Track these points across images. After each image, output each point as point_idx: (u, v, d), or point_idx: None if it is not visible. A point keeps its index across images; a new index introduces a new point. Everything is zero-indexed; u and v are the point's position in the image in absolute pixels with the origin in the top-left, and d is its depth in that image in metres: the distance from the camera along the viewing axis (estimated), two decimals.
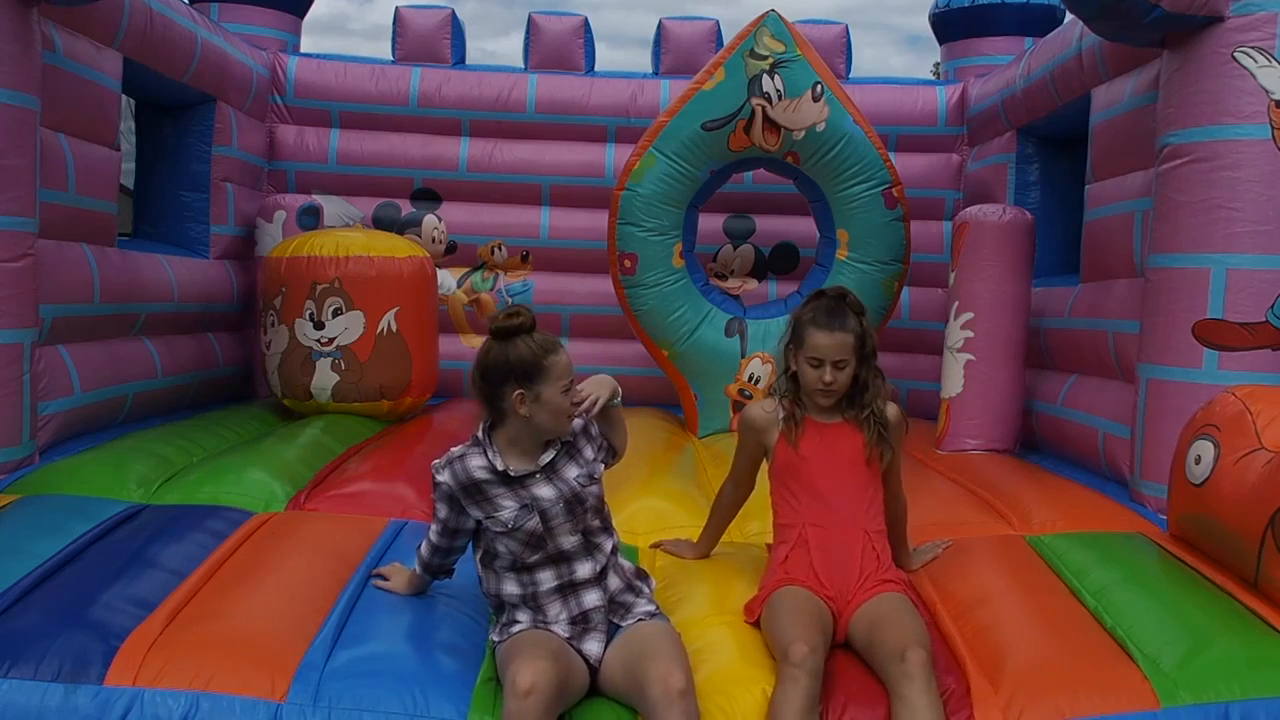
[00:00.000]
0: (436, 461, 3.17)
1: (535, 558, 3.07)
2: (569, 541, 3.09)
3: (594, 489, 3.17)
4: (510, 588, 3.10)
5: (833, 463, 3.41)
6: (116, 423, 5.72)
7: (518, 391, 3.02)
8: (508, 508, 3.06)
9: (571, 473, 3.14)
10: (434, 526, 3.25)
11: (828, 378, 3.37)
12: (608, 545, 3.18)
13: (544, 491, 3.08)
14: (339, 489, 4.56)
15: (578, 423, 3.21)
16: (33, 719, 2.77)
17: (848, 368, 3.39)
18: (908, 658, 2.86)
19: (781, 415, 3.50)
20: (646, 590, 3.22)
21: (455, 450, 3.16)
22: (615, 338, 7.32)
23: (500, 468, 3.07)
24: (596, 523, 3.18)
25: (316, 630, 3.12)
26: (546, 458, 3.12)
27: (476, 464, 3.10)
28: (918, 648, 2.91)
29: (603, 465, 3.27)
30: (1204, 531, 3.77)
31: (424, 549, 3.32)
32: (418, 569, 3.38)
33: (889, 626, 3.04)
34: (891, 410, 3.49)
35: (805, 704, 2.79)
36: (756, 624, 3.23)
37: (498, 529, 3.06)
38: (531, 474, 3.10)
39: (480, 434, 3.14)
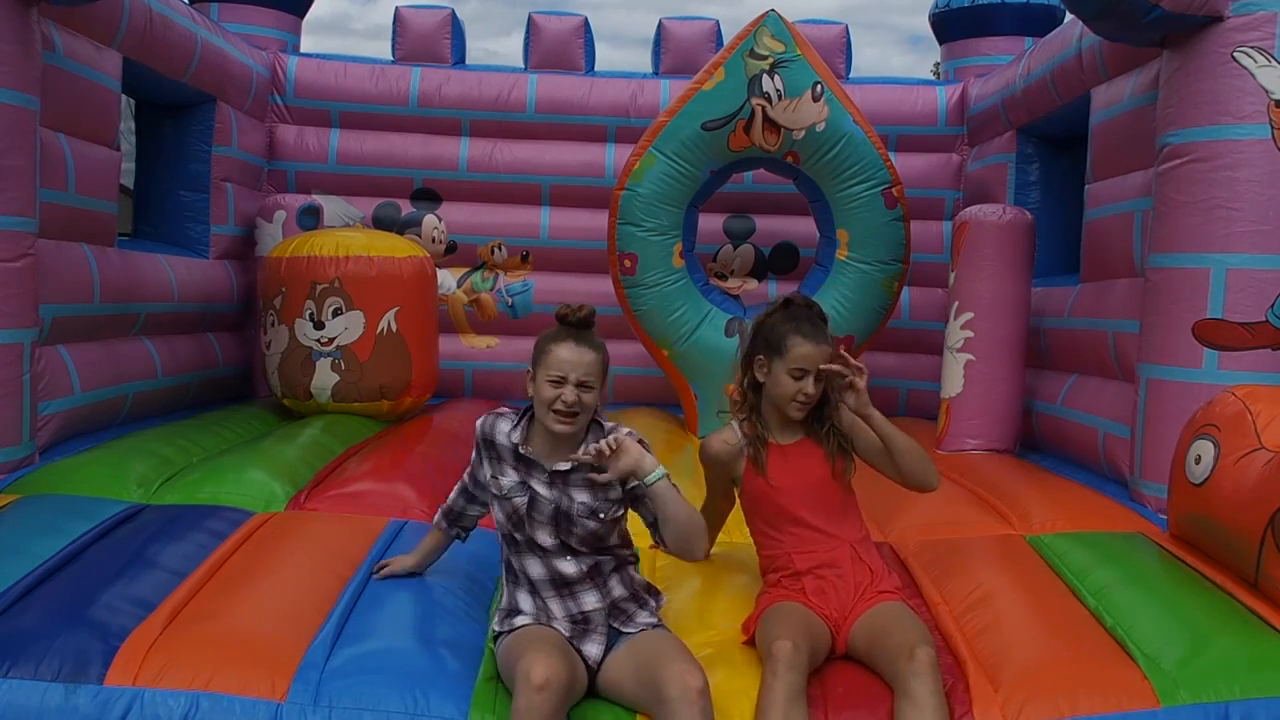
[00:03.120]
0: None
1: (518, 538, 3.11)
2: (544, 539, 3.08)
3: (591, 524, 3.07)
4: (512, 567, 3.17)
5: (803, 484, 3.34)
6: (116, 423, 5.72)
7: (529, 369, 3.13)
8: (509, 477, 3.14)
9: (580, 496, 3.09)
10: (467, 470, 3.38)
11: (810, 390, 3.29)
12: (605, 560, 3.13)
13: (542, 490, 3.10)
14: (339, 489, 4.56)
15: (615, 454, 3.14)
16: (33, 719, 2.77)
17: (824, 379, 3.32)
18: (917, 655, 2.86)
19: (744, 443, 3.41)
20: (652, 604, 3.20)
21: (499, 409, 3.27)
22: (615, 338, 7.28)
23: (515, 441, 3.14)
24: (583, 548, 3.10)
25: (317, 630, 3.12)
26: (562, 467, 3.10)
27: (503, 428, 3.18)
28: (926, 646, 2.91)
29: (623, 514, 3.17)
30: (1204, 531, 3.77)
31: (451, 494, 3.44)
32: (437, 516, 3.50)
33: (894, 629, 3.04)
34: (845, 417, 3.39)
35: (788, 695, 2.79)
36: (752, 642, 3.19)
37: (494, 491, 3.17)
38: (540, 468, 3.11)
39: (528, 407, 3.20)
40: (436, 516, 3.52)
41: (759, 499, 3.40)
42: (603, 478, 3.00)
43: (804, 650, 2.91)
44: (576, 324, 3.08)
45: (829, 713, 2.91)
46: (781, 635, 2.92)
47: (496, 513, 3.17)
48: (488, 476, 3.20)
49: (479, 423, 3.23)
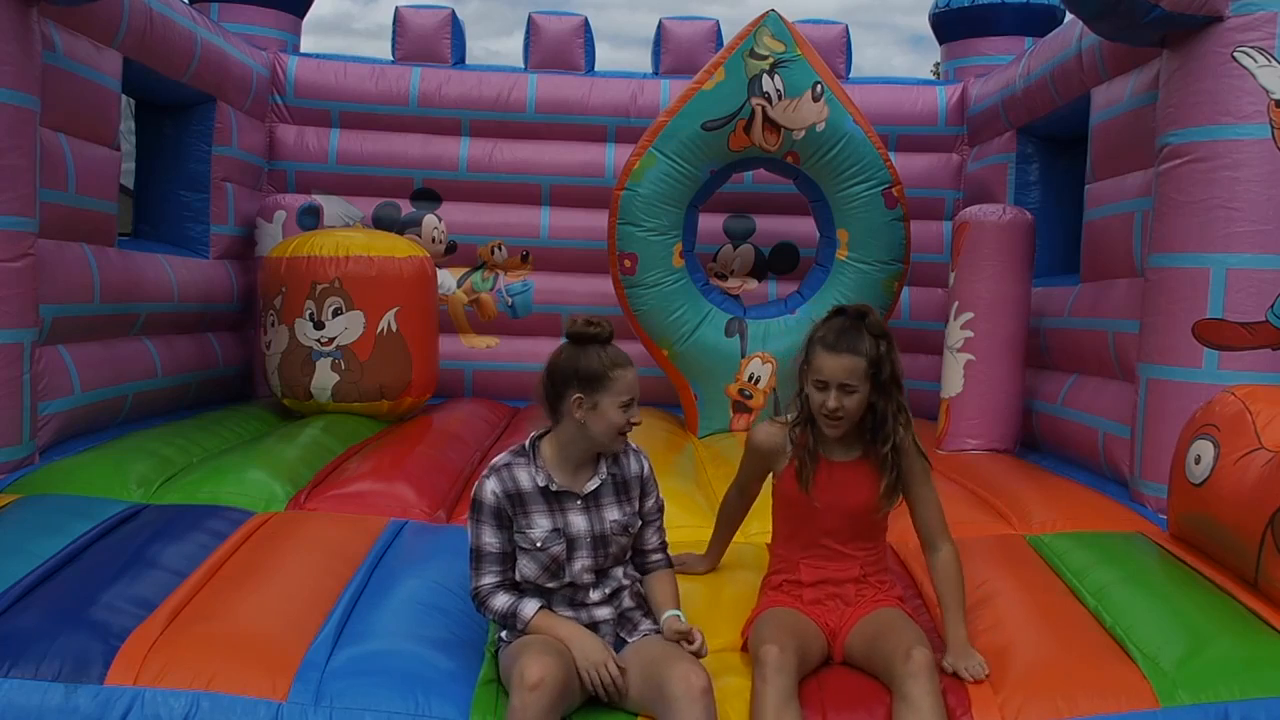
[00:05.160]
0: (480, 482, 3.08)
1: (552, 585, 3.05)
2: (584, 575, 3.08)
3: (623, 540, 3.14)
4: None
5: (842, 506, 3.22)
6: (116, 423, 5.72)
7: (577, 396, 3.02)
8: (541, 527, 3.04)
9: (611, 514, 3.11)
10: (486, 571, 3.03)
11: (831, 403, 3.10)
12: (618, 572, 3.16)
13: (578, 520, 3.07)
14: (339, 489, 4.57)
15: (645, 466, 3.21)
16: (33, 719, 2.77)
17: (856, 394, 3.11)
18: (913, 656, 2.86)
19: (791, 448, 3.27)
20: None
21: (499, 460, 3.12)
22: (615, 338, 7.31)
23: (542, 483, 3.06)
24: (616, 567, 3.15)
25: (317, 630, 3.12)
26: (592, 485, 3.10)
27: (522, 477, 3.07)
28: (922, 647, 2.90)
29: (640, 522, 3.21)
30: (1204, 531, 3.78)
31: (497, 602, 3.02)
32: (507, 625, 3.05)
33: (890, 632, 3.03)
34: (907, 441, 3.22)
35: (779, 699, 2.79)
36: (747, 648, 3.17)
37: (525, 545, 3.04)
38: (573, 496, 3.08)
39: (526, 444, 3.14)
40: (507, 624, 3.03)
41: (789, 504, 3.31)
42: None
43: (791, 652, 2.90)
44: (608, 340, 3.10)
45: (826, 714, 2.91)
46: (768, 640, 2.92)
47: (525, 568, 3.04)
48: (514, 534, 3.04)
49: (493, 485, 3.04)
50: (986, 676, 2.99)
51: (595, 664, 2.87)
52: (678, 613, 3.10)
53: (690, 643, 2.98)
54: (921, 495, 3.25)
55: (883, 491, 3.19)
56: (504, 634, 3.07)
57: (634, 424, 3.08)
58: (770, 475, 3.42)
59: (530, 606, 2.99)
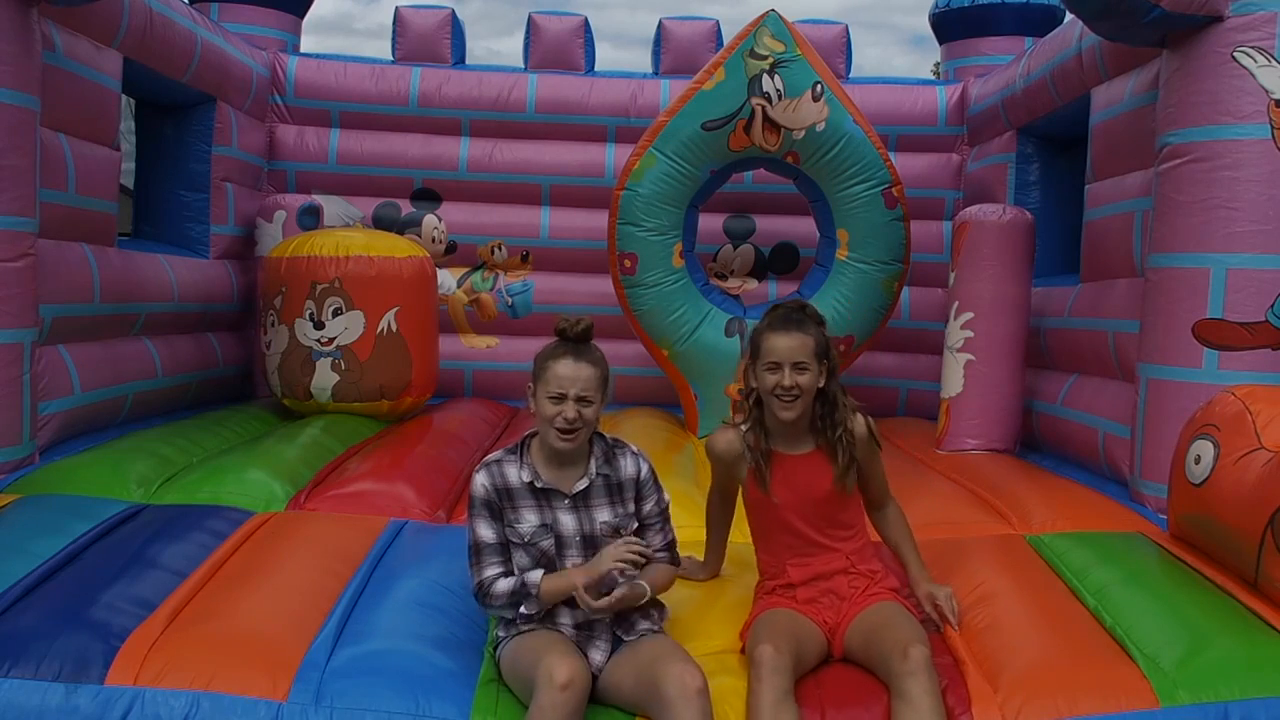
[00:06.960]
0: (473, 477, 3.12)
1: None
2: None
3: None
4: None
5: (806, 497, 3.27)
6: (116, 423, 5.72)
7: (529, 386, 3.09)
8: (529, 522, 3.06)
9: (602, 515, 3.11)
10: (487, 564, 3.05)
11: (786, 381, 3.19)
12: (620, 580, 3.15)
13: (566, 520, 3.08)
14: (339, 489, 4.57)
15: (643, 469, 3.19)
16: (33, 719, 2.77)
17: (809, 372, 3.20)
18: (910, 654, 2.86)
19: (749, 453, 3.31)
20: (654, 614, 3.19)
21: (491, 456, 3.15)
22: (615, 338, 7.32)
23: (528, 479, 3.07)
24: None
25: (318, 630, 3.12)
26: (580, 485, 3.10)
27: (510, 473, 3.09)
28: (920, 644, 2.91)
29: (636, 525, 3.19)
30: (1204, 531, 3.78)
31: (503, 585, 3.03)
32: (516, 601, 3.04)
33: (889, 628, 3.04)
34: (859, 425, 3.31)
35: (774, 698, 2.79)
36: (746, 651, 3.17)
37: (514, 539, 3.07)
38: (560, 495, 3.08)
39: (520, 442, 3.15)
40: (517, 609, 3.04)
41: (757, 507, 3.37)
42: (607, 600, 2.95)
43: (786, 653, 2.90)
44: (575, 338, 3.08)
45: (825, 711, 2.91)
46: (764, 640, 2.92)
47: (518, 561, 3.07)
48: (504, 528, 3.07)
49: (482, 479, 3.07)
50: (957, 619, 3.28)
51: (610, 558, 2.94)
52: (644, 584, 3.06)
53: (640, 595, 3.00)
54: (873, 471, 3.39)
55: (837, 476, 3.27)
56: (501, 631, 3.08)
57: (567, 419, 3.01)
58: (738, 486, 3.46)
59: (536, 573, 3.02)
